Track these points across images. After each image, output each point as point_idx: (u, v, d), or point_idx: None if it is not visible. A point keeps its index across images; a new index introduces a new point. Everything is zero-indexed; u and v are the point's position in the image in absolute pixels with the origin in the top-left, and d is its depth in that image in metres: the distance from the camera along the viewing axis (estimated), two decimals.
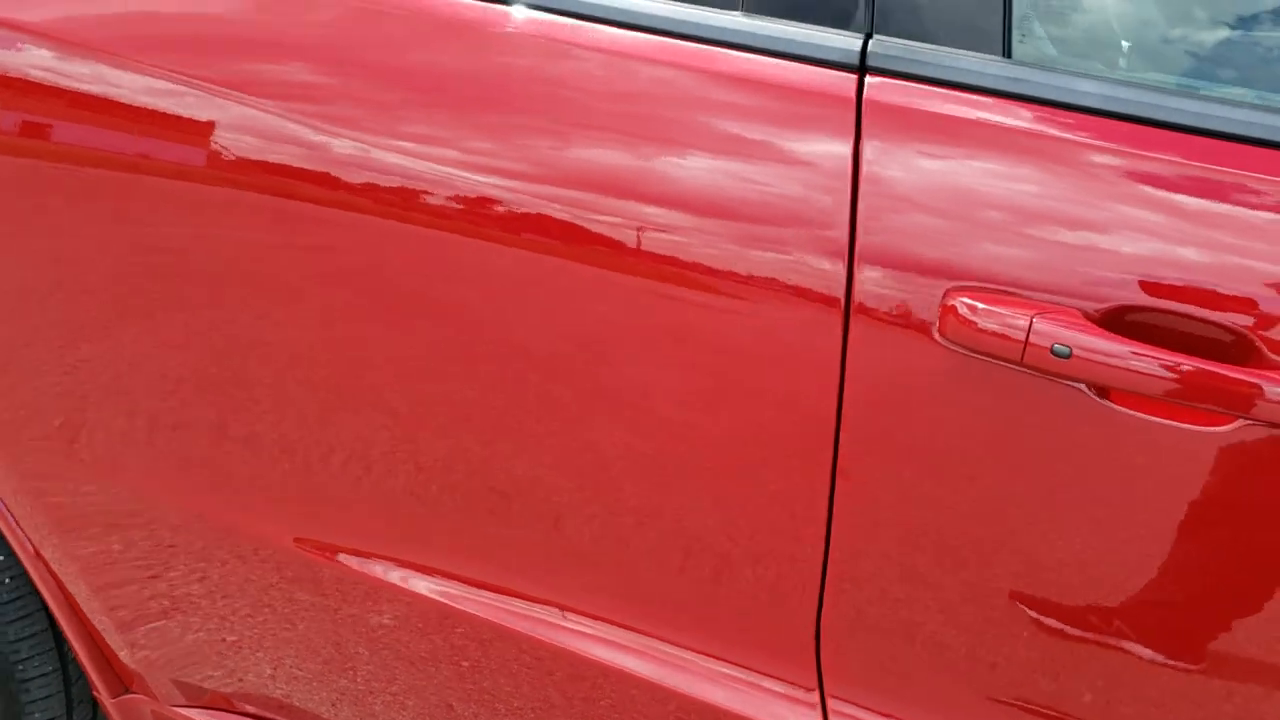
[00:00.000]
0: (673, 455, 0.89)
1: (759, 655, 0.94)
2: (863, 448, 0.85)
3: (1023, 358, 0.77)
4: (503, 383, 0.92)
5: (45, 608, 1.33)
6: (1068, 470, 0.81)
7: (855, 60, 0.84)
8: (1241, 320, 0.75)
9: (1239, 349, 0.76)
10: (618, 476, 0.92)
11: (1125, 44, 0.88)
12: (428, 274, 0.93)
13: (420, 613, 1.02)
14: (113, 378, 1.09)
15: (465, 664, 1.03)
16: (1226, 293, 0.75)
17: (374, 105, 0.92)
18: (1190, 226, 0.77)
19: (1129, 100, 0.79)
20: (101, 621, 1.24)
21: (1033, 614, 0.85)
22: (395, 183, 0.90)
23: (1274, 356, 0.75)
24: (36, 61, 1.00)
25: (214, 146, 0.95)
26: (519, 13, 0.91)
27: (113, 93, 0.98)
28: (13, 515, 1.24)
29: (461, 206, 0.89)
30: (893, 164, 0.82)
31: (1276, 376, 0.74)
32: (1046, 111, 0.81)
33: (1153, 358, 0.75)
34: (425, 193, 0.90)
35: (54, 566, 1.23)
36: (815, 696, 0.94)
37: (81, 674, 1.34)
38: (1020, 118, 0.81)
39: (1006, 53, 0.83)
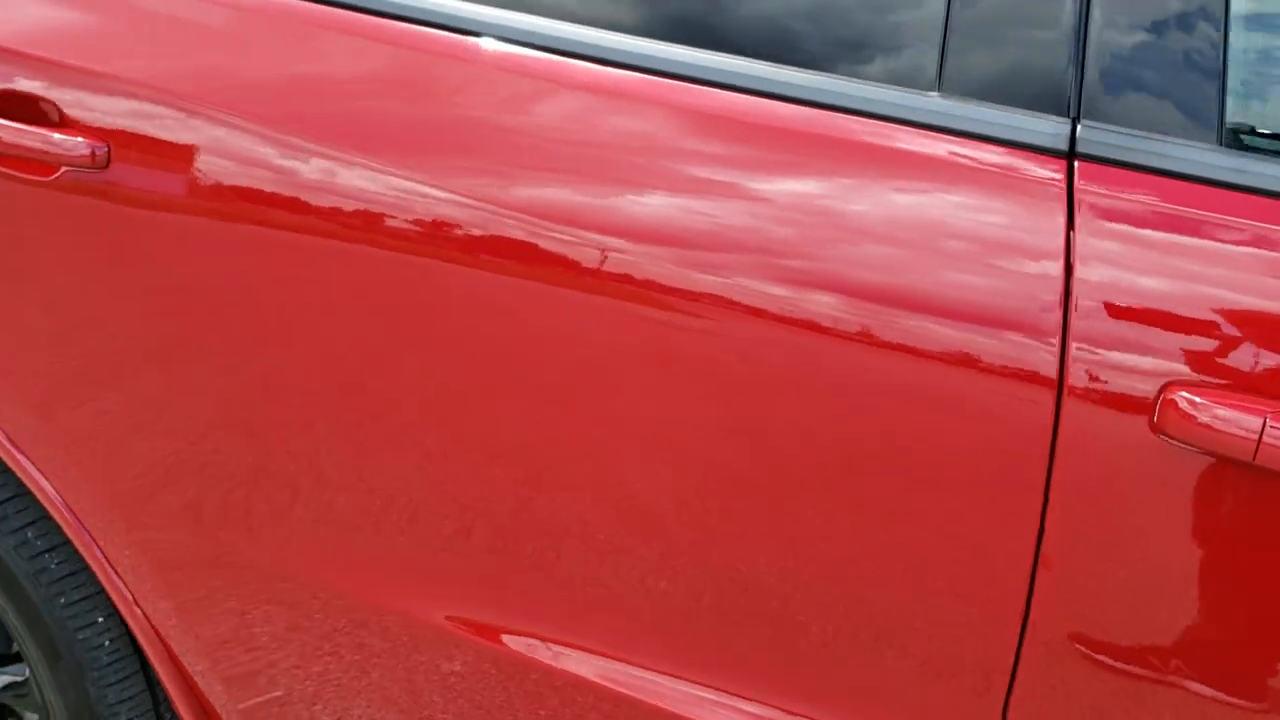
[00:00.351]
0: (877, 546, 0.88)
1: None
2: (1069, 538, 0.83)
3: (1255, 456, 0.76)
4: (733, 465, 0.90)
5: (145, 668, 1.30)
6: None
7: (1065, 146, 0.83)
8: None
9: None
10: (825, 568, 0.90)
11: None
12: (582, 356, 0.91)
13: (595, 700, 1.00)
14: (249, 445, 1.06)
15: None
16: None
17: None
18: None
19: None
20: (213, 689, 1.21)
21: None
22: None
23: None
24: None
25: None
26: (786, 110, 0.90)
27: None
28: (120, 577, 1.20)
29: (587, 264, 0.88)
30: (1106, 253, 0.81)
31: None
32: (1266, 203, 0.80)
33: None
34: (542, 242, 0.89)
35: (165, 635, 1.20)
36: None
37: None
38: (1239, 210, 0.80)
39: (1220, 139, 0.82)
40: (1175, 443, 0.79)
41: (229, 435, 1.06)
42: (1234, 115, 0.83)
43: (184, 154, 1.01)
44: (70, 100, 1.04)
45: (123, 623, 1.28)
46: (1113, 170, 0.82)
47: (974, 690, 0.89)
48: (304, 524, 1.08)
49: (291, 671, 1.14)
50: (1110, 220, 0.81)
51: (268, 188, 0.98)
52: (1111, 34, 0.83)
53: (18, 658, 1.36)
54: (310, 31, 1.01)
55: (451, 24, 0.99)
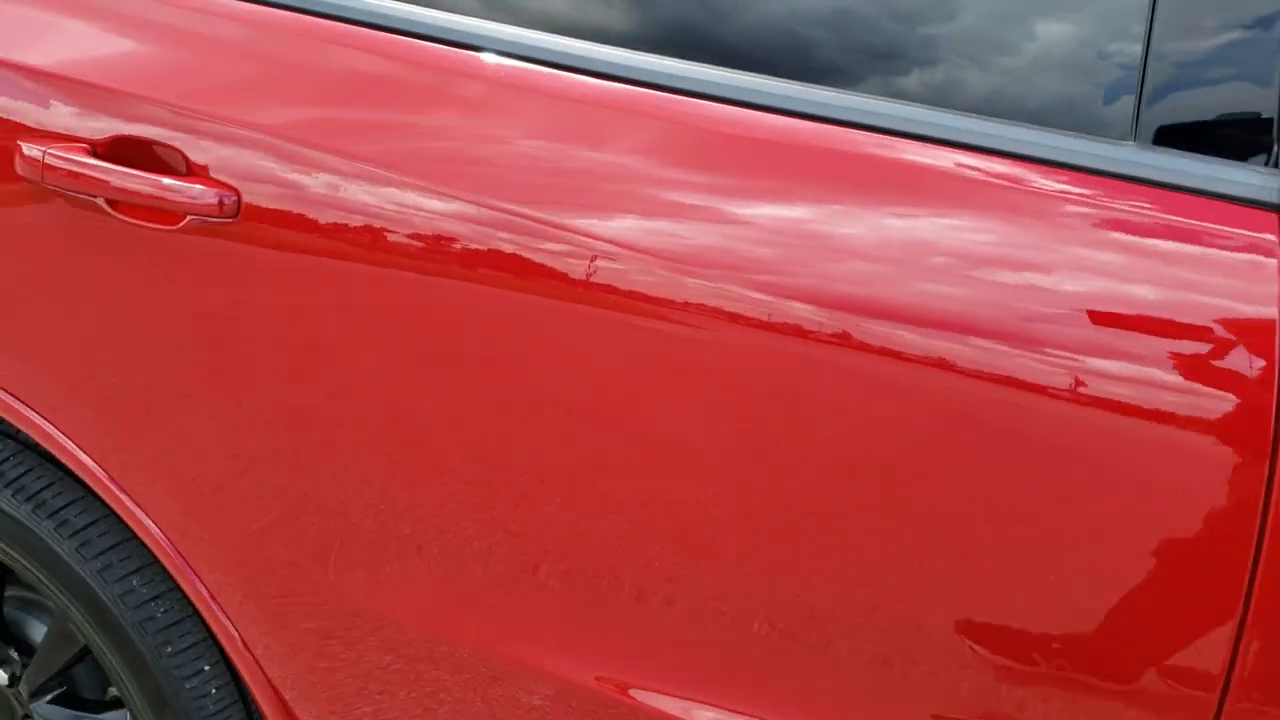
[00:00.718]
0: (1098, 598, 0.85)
1: None
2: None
3: None
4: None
5: (250, 716, 1.28)
6: None
7: (1276, 199, 0.80)
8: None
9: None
10: (1020, 640, 0.87)
11: None
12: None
13: None
14: (367, 489, 1.03)
15: None
16: None
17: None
18: None
19: None
20: None
21: None
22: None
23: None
24: None
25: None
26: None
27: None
28: (231, 621, 1.17)
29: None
30: None
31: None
32: None
33: None
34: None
35: (276, 681, 1.17)
36: None
37: None
38: None
39: None
40: None
41: (345, 478, 1.03)
42: None
43: (314, 201, 0.96)
44: (197, 147, 1.00)
45: (229, 669, 1.25)
46: None
47: None
48: (427, 572, 1.04)
49: None
50: None
51: (398, 231, 0.94)
52: None
53: (118, 703, 1.33)
54: (446, 80, 0.96)
55: (595, 70, 0.95)
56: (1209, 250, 0.81)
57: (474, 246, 0.92)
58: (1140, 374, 0.80)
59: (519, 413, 0.94)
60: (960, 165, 0.85)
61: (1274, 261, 0.79)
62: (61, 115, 1.04)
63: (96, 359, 1.10)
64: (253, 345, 1.02)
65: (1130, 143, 0.84)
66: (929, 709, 0.90)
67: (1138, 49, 0.84)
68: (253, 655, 1.16)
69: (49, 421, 1.16)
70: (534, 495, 0.96)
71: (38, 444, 1.28)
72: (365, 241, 0.95)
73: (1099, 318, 0.80)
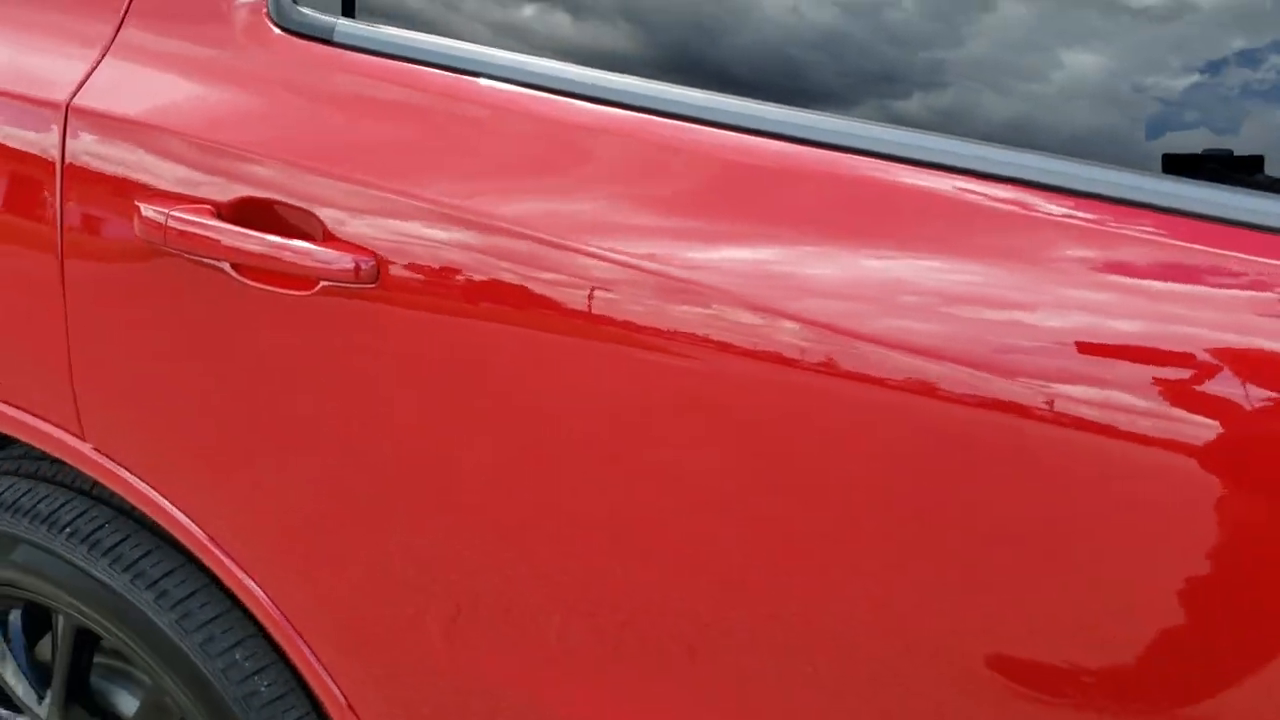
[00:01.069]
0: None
1: None
2: None
3: None
4: None
5: None
6: None
7: None
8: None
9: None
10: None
11: None
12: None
13: None
14: (515, 567, 0.98)
15: None
16: None
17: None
18: None
19: None
20: None
21: None
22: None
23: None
24: None
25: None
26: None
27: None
28: (343, 693, 1.12)
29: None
30: None
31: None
32: None
33: None
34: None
35: None
36: None
37: None
38: None
39: None
40: None
41: (474, 546, 0.99)
42: None
43: (459, 267, 0.92)
44: (333, 210, 0.96)
45: None
46: None
47: None
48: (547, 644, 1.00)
49: None
50: None
51: (547, 296, 0.90)
52: None
53: None
54: (592, 140, 0.92)
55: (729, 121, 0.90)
56: None
57: (635, 317, 0.87)
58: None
59: (678, 485, 0.90)
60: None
61: None
62: (185, 176, 1.00)
63: (207, 422, 1.06)
64: (381, 411, 0.98)
65: None
66: None
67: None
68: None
69: (150, 484, 1.11)
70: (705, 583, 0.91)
71: (133, 508, 1.24)
72: (511, 307, 0.90)
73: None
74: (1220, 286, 0.76)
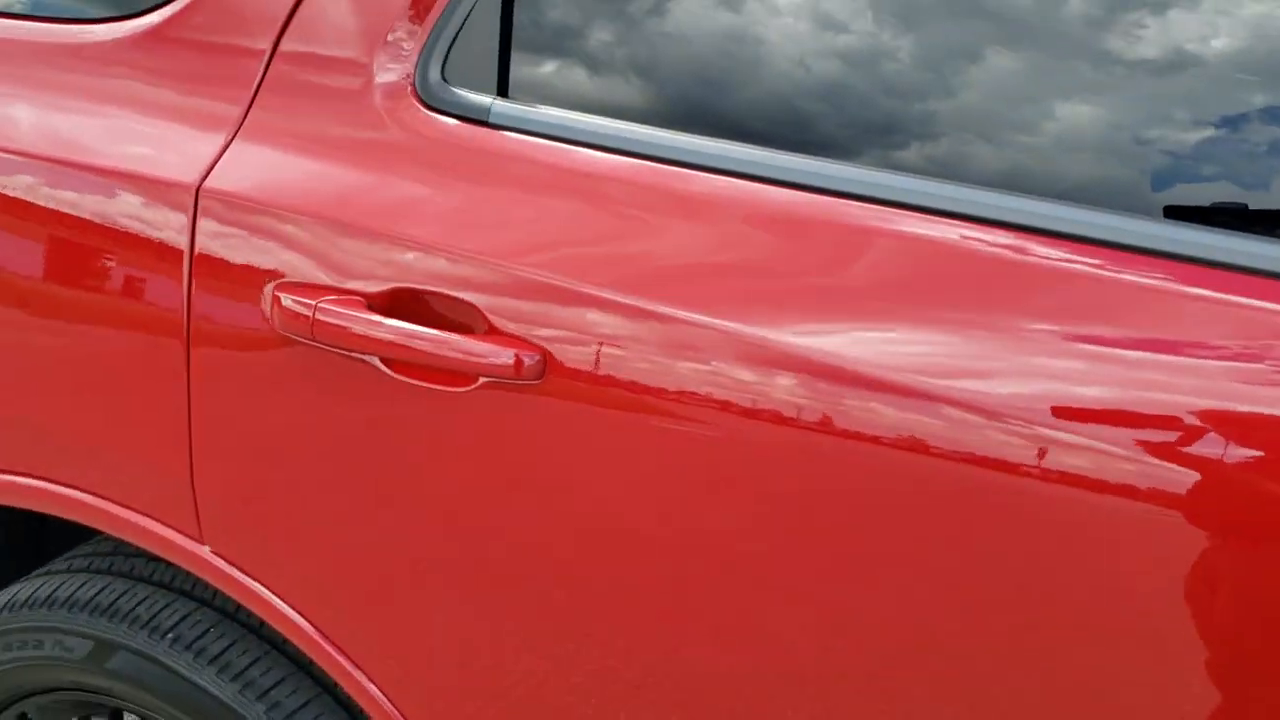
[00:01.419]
0: None
1: None
2: None
3: None
4: None
5: None
6: None
7: None
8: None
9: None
10: None
11: None
12: None
13: None
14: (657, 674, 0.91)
15: None
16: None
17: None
18: None
19: None
20: None
21: None
22: None
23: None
24: None
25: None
26: None
27: None
28: None
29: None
30: None
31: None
32: None
33: None
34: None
35: None
36: None
37: None
38: None
39: None
40: None
41: (620, 651, 0.92)
42: None
43: (638, 366, 0.86)
44: (497, 302, 0.90)
45: None
46: None
47: None
48: None
49: None
50: None
51: (739, 397, 0.84)
52: None
53: None
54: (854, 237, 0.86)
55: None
56: None
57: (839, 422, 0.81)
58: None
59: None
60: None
61: None
62: (328, 264, 0.94)
63: (345, 525, 0.99)
64: (544, 518, 0.91)
65: None
66: None
67: None
68: None
69: (274, 590, 1.04)
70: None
71: (237, 610, 1.17)
72: (694, 409, 0.84)
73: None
74: None
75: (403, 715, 1.03)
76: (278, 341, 0.96)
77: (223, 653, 1.13)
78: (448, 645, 0.98)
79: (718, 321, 0.84)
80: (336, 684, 1.07)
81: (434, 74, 0.97)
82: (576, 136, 0.93)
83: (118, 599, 1.18)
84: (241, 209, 0.97)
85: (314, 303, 0.91)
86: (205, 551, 1.05)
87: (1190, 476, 0.74)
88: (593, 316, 0.87)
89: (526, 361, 0.88)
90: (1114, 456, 0.75)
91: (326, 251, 0.94)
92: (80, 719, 1.29)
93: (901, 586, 0.81)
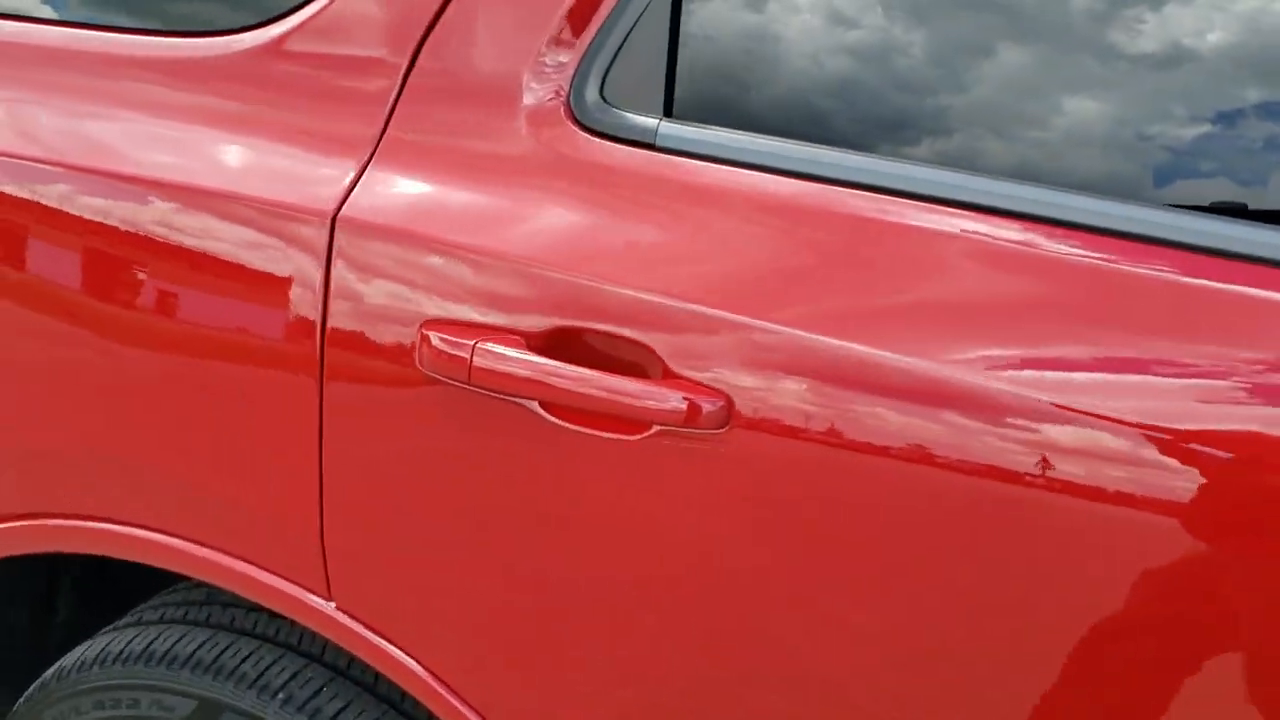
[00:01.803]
0: None
1: None
2: None
3: None
4: None
5: None
6: None
7: None
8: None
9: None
10: None
11: None
12: None
13: None
14: None
15: None
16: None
17: None
18: None
19: None
20: None
21: None
22: None
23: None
24: None
25: None
26: None
27: None
28: None
29: None
30: None
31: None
32: None
33: None
34: None
35: None
36: None
37: None
38: None
39: None
40: None
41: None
42: None
43: (831, 413, 0.78)
44: (677, 344, 0.82)
45: None
46: None
47: None
48: None
49: None
50: None
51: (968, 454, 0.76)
52: None
53: None
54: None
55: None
56: None
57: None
58: None
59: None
60: None
61: None
62: (482, 300, 0.86)
63: (495, 581, 0.91)
64: (718, 577, 0.83)
65: None
66: None
67: None
68: None
69: (408, 651, 0.96)
70: None
71: (348, 666, 1.09)
72: (906, 463, 0.76)
73: None
74: None
75: None
76: (421, 382, 0.88)
77: (338, 714, 1.05)
78: (603, 718, 0.90)
79: (926, 365, 0.76)
80: None
81: (591, 93, 0.89)
82: (755, 160, 0.85)
83: (221, 654, 1.10)
84: (383, 239, 0.89)
85: (471, 343, 0.84)
86: (330, 608, 0.97)
87: None
88: (784, 359, 0.79)
89: (708, 409, 0.80)
90: None
91: (479, 286, 0.87)
92: None
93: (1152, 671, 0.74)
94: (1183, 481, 0.71)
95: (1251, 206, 0.79)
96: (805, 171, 0.84)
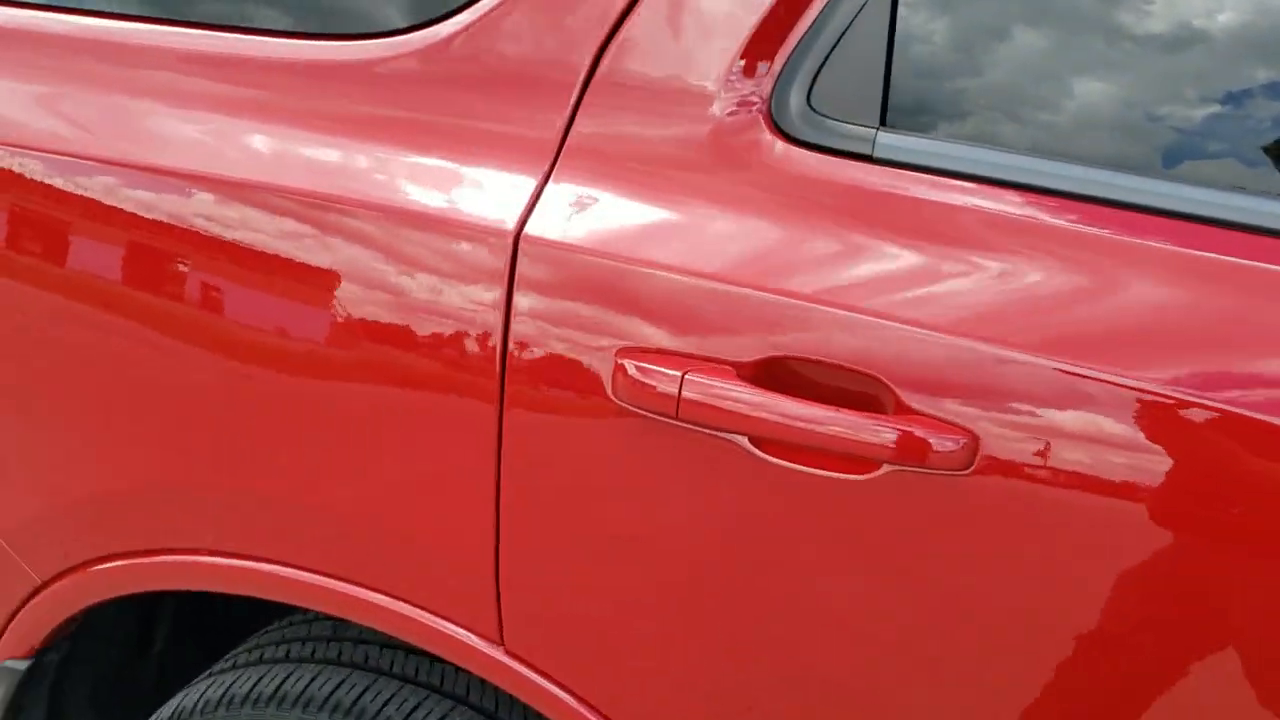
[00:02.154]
0: None
1: None
2: None
3: None
4: None
5: None
6: None
7: None
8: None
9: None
10: None
11: None
12: None
13: None
14: None
15: None
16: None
17: None
18: None
19: None
20: None
21: None
22: None
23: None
24: None
25: None
26: None
27: None
28: None
29: None
30: None
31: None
32: None
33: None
34: None
35: None
36: None
37: None
38: None
39: None
40: None
41: None
42: None
43: (1097, 455, 0.72)
44: (905, 375, 0.75)
45: None
46: None
47: None
48: None
49: None
50: None
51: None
52: None
53: None
54: None
55: None
56: None
57: None
58: None
59: None
60: None
61: None
62: (689, 327, 0.79)
63: (679, 624, 0.84)
64: (960, 631, 0.76)
65: None
66: None
67: None
68: None
69: (573, 694, 0.89)
70: None
71: (495, 710, 1.02)
72: (1183, 514, 0.70)
73: None
74: None
75: None
76: (613, 413, 0.81)
77: None
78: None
79: (1199, 398, 0.70)
80: None
81: (797, 101, 0.82)
82: (987, 174, 0.78)
83: (361, 695, 1.03)
84: (570, 259, 0.82)
85: (680, 374, 0.77)
86: (498, 652, 0.90)
87: None
88: (1038, 392, 0.72)
89: (950, 447, 0.73)
90: None
91: (679, 311, 0.80)
92: None
93: None
94: None
95: None
96: (1049, 187, 0.77)
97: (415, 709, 1.02)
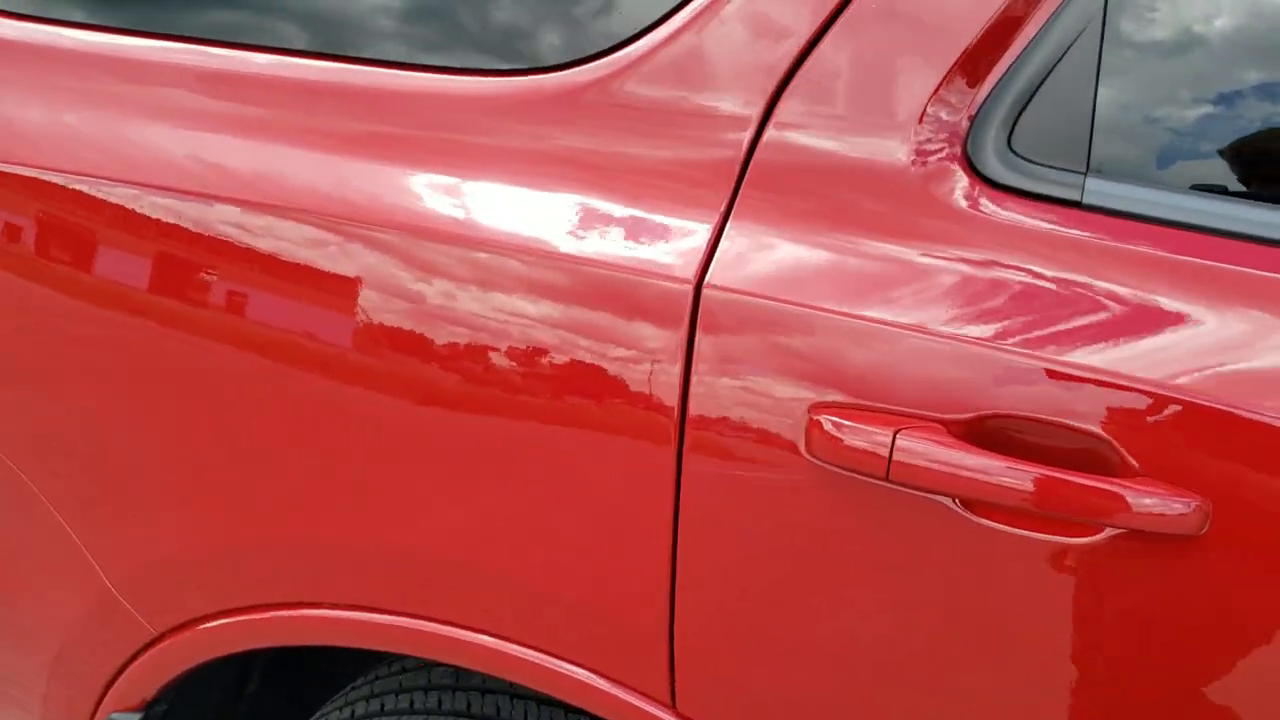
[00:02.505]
0: None
1: None
2: None
3: None
4: None
5: None
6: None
7: None
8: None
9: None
10: None
11: None
12: None
13: None
14: None
15: None
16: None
17: None
18: None
19: None
20: None
21: None
22: None
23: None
24: None
25: None
26: None
27: None
28: None
29: None
30: None
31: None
32: None
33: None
34: None
35: None
36: None
37: None
38: None
39: None
40: None
41: None
42: None
43: None
44: (1133, 435, 0.72)
45: None
46: None
47: None
48: None
49: None
50: None
51: None
52: None
53: None
54: None
55: None
56: None
57: None
58: None
59: None
60: None
61: None
62: (888, 384, 0.76)
63: (873, 693, 0.80)
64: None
65: None
66: None
67: None
68: None
69: None
70: None
71: None
72: None
73: None
74: None
75: None
76: (804, 470, 0.77)
77: None
78: None
79: None
80: None
81: (996, 143, 0.78)
82: (1212, 224, 0.75)
83: None
84: (758, 308, 0.78)
85: (892, 433, 0.73)
86: (668, 715, 0.87)
87: None
88: (1274, 456, 0.69)
89: (1184, 510, 0.70)
90: None
91: (878, 364, 0.76)
92: None
93: None
94: None
95: None
96: (1271, 238, 0.74)
97: None
